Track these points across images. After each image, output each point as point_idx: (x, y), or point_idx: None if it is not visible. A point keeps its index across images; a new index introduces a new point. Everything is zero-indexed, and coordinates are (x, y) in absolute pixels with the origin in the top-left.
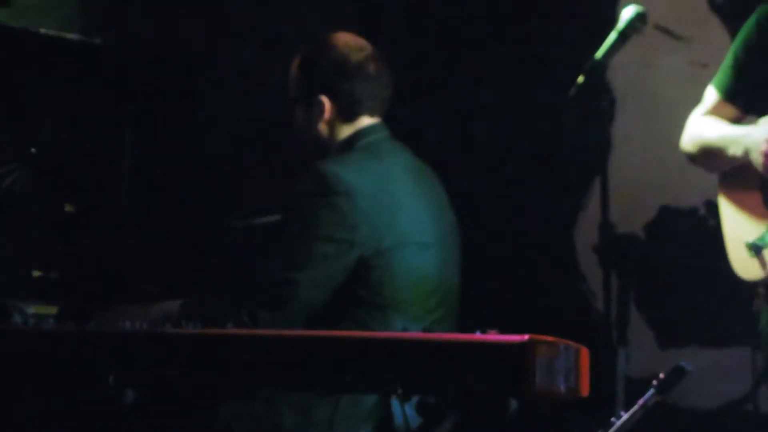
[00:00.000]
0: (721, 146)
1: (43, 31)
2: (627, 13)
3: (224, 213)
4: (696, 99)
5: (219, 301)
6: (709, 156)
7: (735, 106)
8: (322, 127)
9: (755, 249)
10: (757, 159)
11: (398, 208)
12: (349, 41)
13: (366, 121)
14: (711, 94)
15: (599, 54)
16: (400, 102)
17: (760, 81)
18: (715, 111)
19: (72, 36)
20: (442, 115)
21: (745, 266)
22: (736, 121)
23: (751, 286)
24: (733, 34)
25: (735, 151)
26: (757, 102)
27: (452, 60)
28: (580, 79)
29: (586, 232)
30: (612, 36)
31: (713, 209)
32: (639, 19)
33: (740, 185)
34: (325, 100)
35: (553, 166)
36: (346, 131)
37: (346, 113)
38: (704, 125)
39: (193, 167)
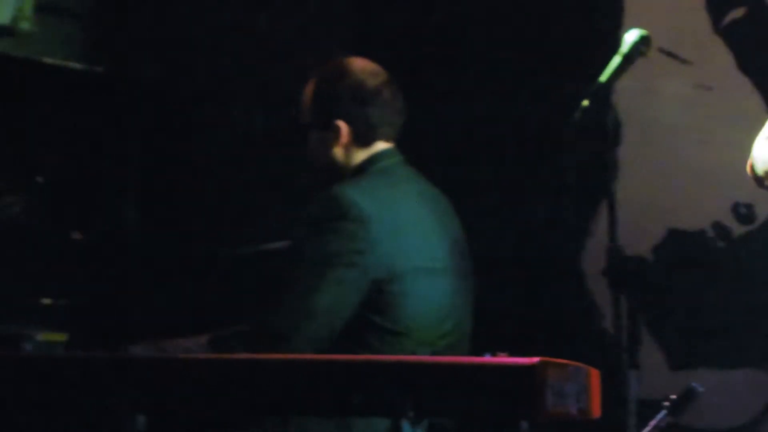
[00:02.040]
0: None
1: (46, 60)
2: (631, 37)
3: (232, 240)
4: (701, 122)
5: (244, 335)
6: None
7: None
8: (338, 152)
9: None
10: None
11: (411, 233)
12: (365, 67)
13: (381, 146)
14: None
15: (603, 77)
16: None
17: None
18: None
19: (75, 65)
20: (444, 140)
21: None
22: None
23: None
24: (737, 56)
25: None
26: None
27: (453, 86)
28: (585, 102)
29: (594, 256)
30: (616, 59)
31: (721, 231)
32: (643, 43)
33: None
34: (342, 125)
35: (560, 190)
36: (360, 156)
37: (362, 138)
38: None
39: (200, 193)
